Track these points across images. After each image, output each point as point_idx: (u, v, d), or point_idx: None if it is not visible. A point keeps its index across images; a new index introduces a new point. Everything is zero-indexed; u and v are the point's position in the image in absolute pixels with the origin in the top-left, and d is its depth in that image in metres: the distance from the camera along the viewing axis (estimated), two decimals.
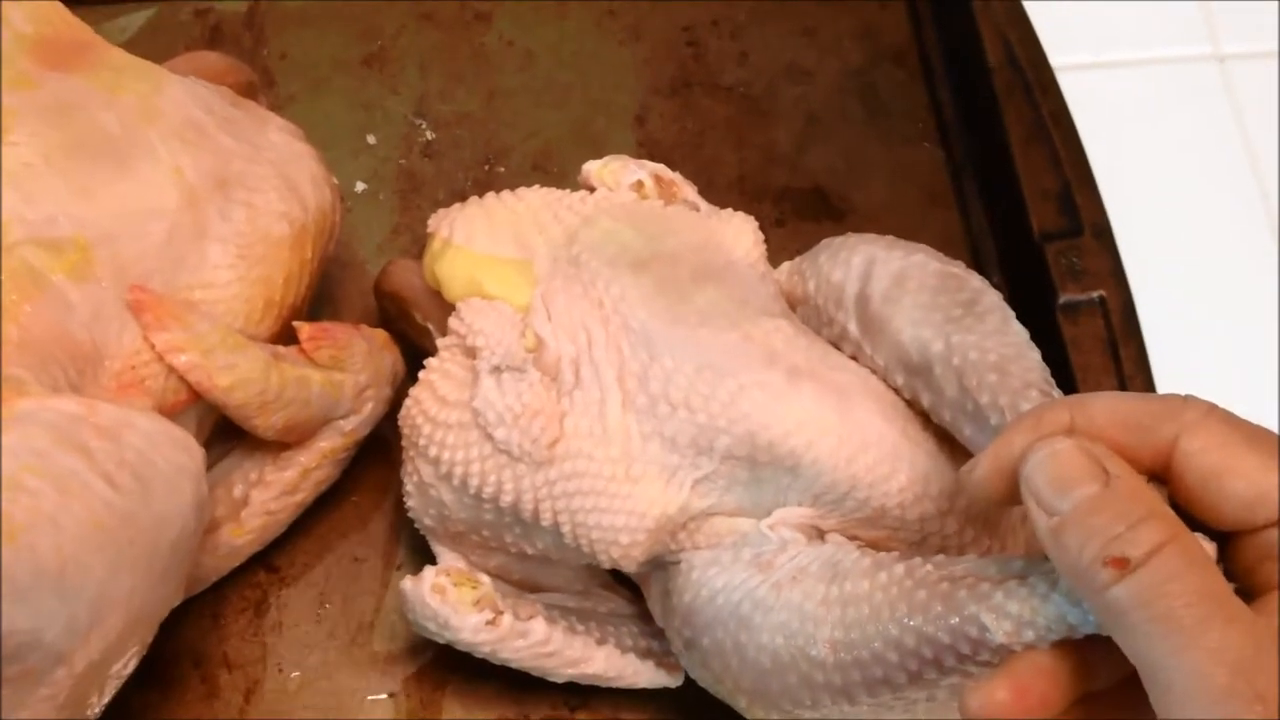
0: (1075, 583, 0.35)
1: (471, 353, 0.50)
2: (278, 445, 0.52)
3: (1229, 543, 0.36)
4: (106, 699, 0.45)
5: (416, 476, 0.51)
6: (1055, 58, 0.68)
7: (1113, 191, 0.64)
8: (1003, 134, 0.66)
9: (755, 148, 0.69)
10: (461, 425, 0.49)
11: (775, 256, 0.54)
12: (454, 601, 0.49)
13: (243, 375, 0.48)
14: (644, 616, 0.53)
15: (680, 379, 0.48)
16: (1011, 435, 0.38)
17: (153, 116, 0.50)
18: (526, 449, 0.48)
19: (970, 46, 0.69)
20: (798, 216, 0.68)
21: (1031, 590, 0.38)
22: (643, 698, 0.54)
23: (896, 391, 0.49)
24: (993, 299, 0.48)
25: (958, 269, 0.49)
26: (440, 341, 0.52)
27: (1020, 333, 0.47)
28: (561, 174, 0.67)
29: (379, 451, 0.57)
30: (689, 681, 0.51)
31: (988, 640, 0.39)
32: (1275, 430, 0.37)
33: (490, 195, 0.54)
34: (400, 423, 0.51)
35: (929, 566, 0.42)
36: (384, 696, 0.54)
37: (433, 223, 0.54)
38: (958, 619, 0.39)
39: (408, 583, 0.50)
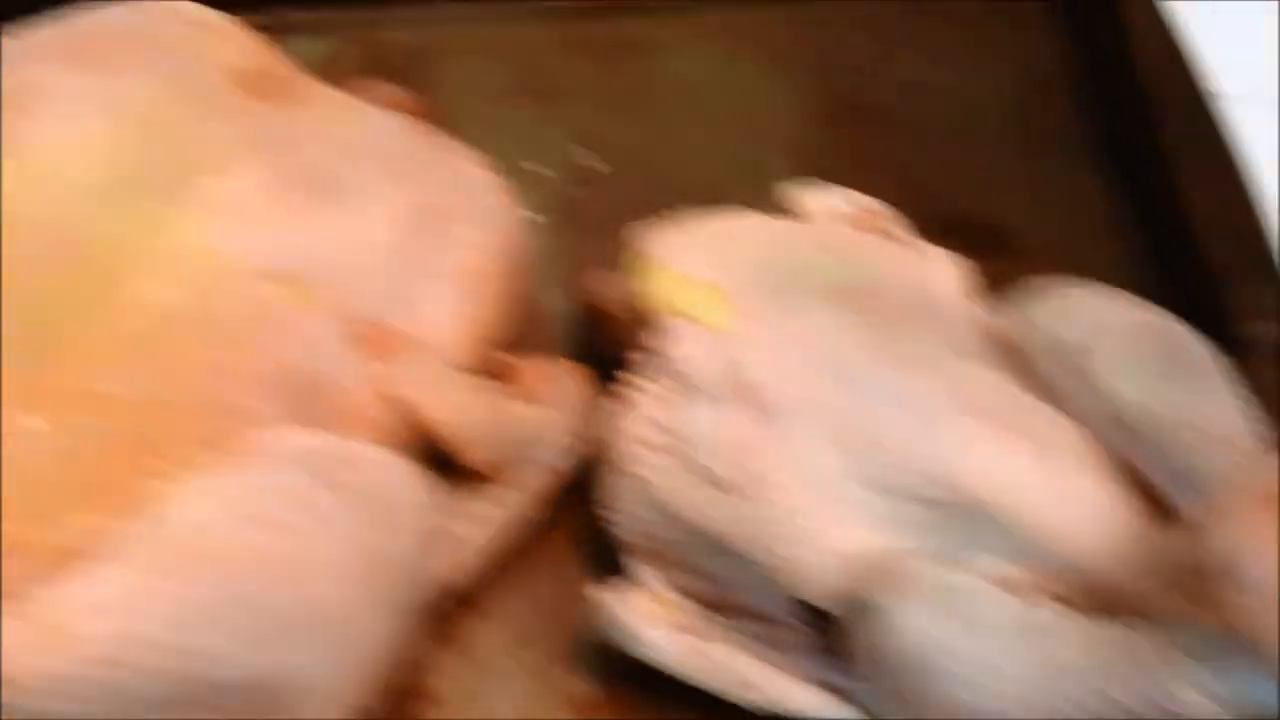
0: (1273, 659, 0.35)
1: (673, 374, 0.50)
2: (479, 478, 0.52)
3: None
4: None
5: (615, 492, 0.51)
6: (1217, 84, 0.67)
7: None
8: (1166, 161, 0.65)
9: (914, 176, 0.68)
10: (661, 447, 0.49)
11: None
12: (647, 618, 0.50)
13: (458, 410, 0.48)
14: (832, 651, 0.53)
15: (882, 418, 0.47)
16: (1215, 504, 0.37)
17: (359, 150, 0.50)
18: (726, 476, 0.48)
19: (1128, 72, 0.68)
20: (956, 245, 0.67)
21: (1226, 666, 0.38)
22: None
23: (1101, 449, 0.48)
24: (1204, 356, 0.48)
25: (1173, 324, 0.49)
26: (640, 360, 0.52)
27: (1230, 391, 0.46)
28: (721, 204, 0.66)
29: (572, 482, 0.57)
30: None
31: (1177, 714, 0.39)
32: None
33: (690, 216, 0.55)
34: (599, 440, 0.52)
35: (1125, 631, 0.42)
36: None
37: (632, 238, 0.55)
38: (1149, 687, 0.39)
39: (604, 596, 0.50)
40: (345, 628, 0.40)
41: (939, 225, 0.67)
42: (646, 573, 0.53)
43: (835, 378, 0.48)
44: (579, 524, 0.58)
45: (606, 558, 0.54)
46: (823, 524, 0.47)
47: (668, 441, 0.49)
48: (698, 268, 0.52)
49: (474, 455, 0.49)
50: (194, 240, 0.44)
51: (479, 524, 0.52)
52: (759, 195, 0.67)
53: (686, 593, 0.53)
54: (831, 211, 0.55)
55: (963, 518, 0.47)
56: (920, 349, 0.49)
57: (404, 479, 0.44)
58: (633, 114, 0.69)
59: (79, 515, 0.39)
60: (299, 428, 0.43)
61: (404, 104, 0.58)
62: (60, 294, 0.43)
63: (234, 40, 0.52)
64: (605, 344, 0.57)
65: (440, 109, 0.68)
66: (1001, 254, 0.66)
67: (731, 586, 0.52)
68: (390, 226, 0.48)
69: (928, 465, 0.46)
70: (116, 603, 0.37)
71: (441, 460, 0.51)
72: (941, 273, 0.53)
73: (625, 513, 0.51)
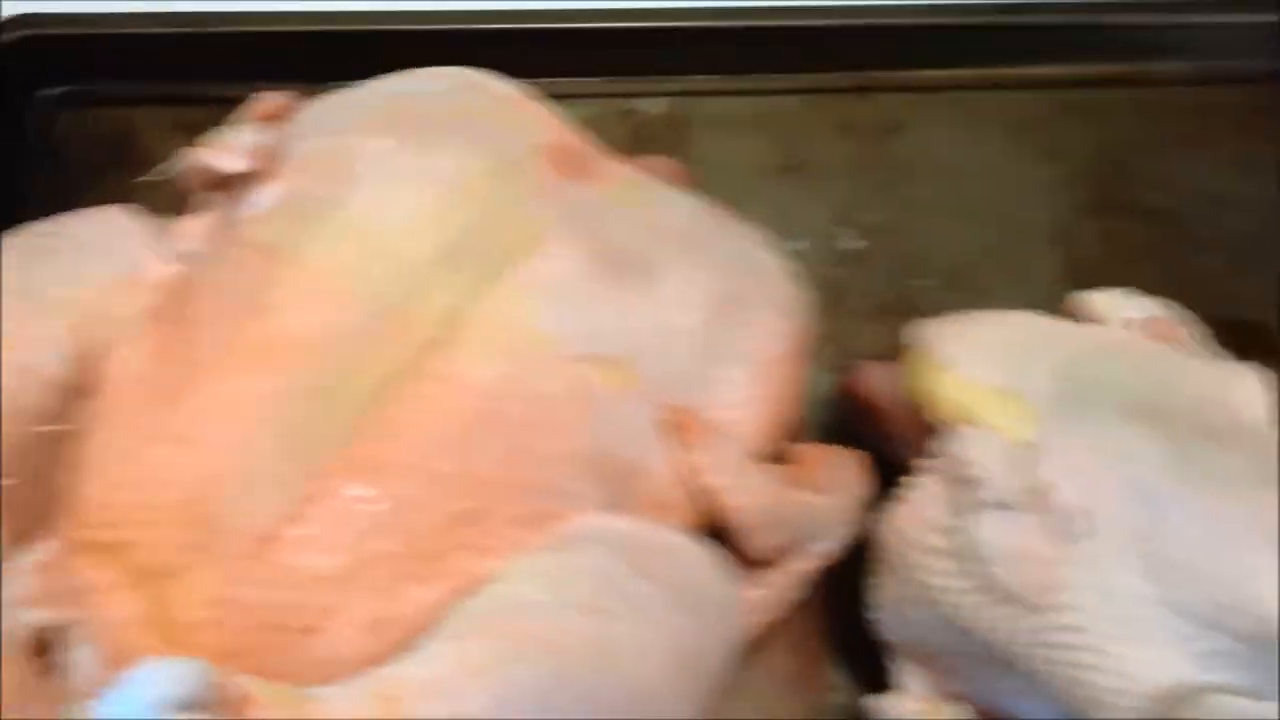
0: None
1: (962, 481, 0.49)
2: (752, 562, 0.52)
3: None
4: None
5: (888, 593, 0.50)
6: None
7: None
8: None
9: (1180, 273, 0.66)
10: (945, 553, 0.48)
11: None
12: None
13: (753, 498, 0.47)
14: None
15: (1191, 546, 0.46)
16: None
17: (661, 230, 0.50)
18: (1022, 592, 0.47)
19: None
20: (1226, 348, 0.65)
21: None
22: None
23: None
24: None
25: None
26: (925, 461, 0.51)
27: None
28: (982, 291, 0.65)
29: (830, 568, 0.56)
30: None
31: None
32: None
33: (975, 315, 0.54)
34: (875, 538, 0.51)
35: None
36: None
37: (913, 337, 0.54)
38: None
39: (877, 703, 0.49)
40: (657, 716, 0.39)
41: (1207, 324, 0.65)
42: (915, 677, 0.52)
43: (1140, 498, 0.47)
44: (823, 604, 0.57)
45: (850, 642, 0.53)
46: (1127, 648, 0.46)
47: (950, 548, 0.48)
48: (992, 373, 0.51)
49: (761, 542, 0.49)
50: (515, 318, 0.45)
51: (754, 608, 0.51)
52: (1020, 283, 0.66)
53: (955, 698, 0.52)
54: (1126, 318, 0.53)
55: (1276, 655, 0.45)
56: (1229, 473, 0.47)
57: (712, 568, 0.43)
58: (892, 195, 0.69)
59: (410, 588, 0.40)
60: (612, 512, 0.43)
61: (683, 179, 0.58)
62: (384, 364, 0.44)
63: (538, 114, 0.52)
64: (871, 435, 0.56)
65: (689, 181, 0.68)
66: (1273, 358, 0.64)
67: (1003, 696, 0.51)
68: (694, 310, 0.48)
69: (1242, 599, 0.45)
70: (449, 682, 0.37)
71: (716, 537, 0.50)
72: (1246, 392, 0.50)
73: (895, 615, 0.50)
